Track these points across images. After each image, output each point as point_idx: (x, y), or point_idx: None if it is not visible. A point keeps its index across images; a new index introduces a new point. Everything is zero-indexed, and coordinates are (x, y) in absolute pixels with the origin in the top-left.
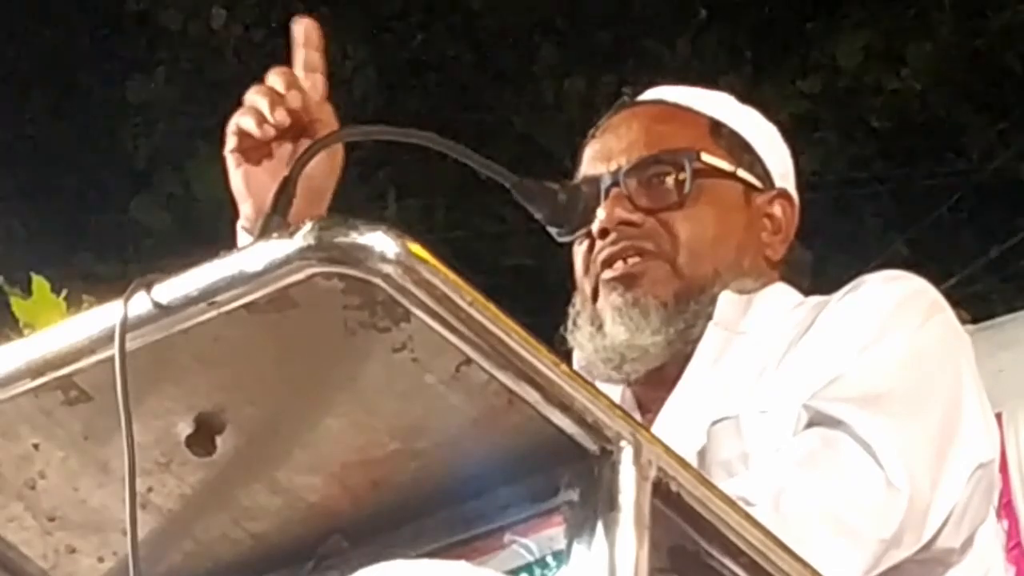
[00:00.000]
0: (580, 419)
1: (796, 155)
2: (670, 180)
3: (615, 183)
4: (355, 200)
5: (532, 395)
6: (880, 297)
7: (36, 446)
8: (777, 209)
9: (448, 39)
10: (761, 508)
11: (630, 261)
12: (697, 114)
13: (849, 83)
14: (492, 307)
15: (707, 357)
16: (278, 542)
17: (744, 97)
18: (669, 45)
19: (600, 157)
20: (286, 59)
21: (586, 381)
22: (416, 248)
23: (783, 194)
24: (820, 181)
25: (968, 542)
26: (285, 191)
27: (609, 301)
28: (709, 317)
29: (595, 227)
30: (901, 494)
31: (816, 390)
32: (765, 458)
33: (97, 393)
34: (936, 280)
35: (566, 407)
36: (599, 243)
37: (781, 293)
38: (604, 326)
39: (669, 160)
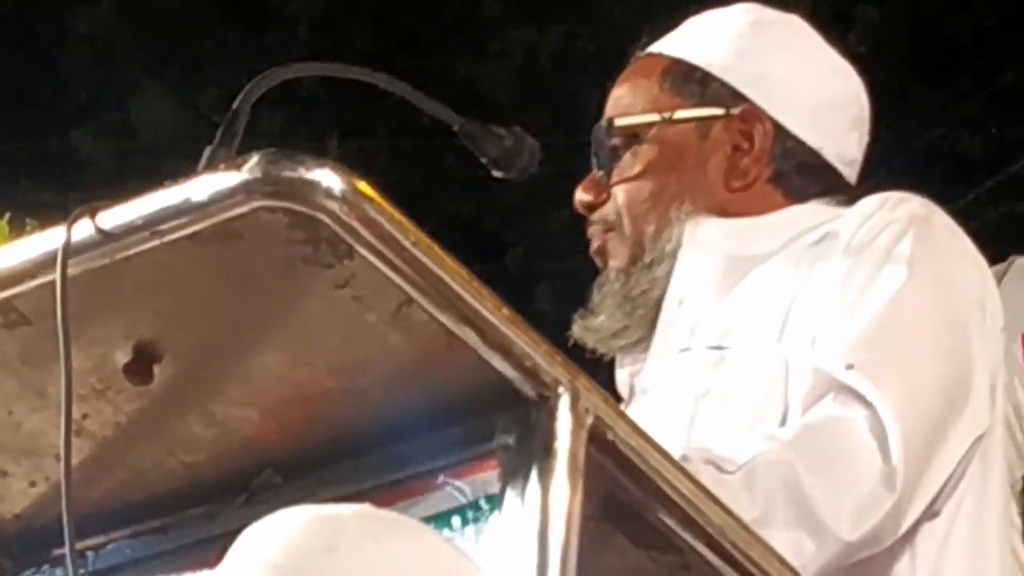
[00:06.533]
0: (519, 364)
1: None
2: (614, 153)
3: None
4: (296, 140)
5: (472, 338)
6: (887, 234)
7: None
8: (753, 130)
9: None
10: (732, 477)
11: (601, 237)
12: (659, 59)
13: None
14: (436, 248)
15: (685, 284)
16: (211, 474)
17: None
18: None
19: None
20: None
21: (527, 326)
22: (362, 186)
23: (747, 114)
24: None
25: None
26: (231, 124)
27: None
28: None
29: None
30: (892, 496)
31: (820, 339)
32: (724, 400)
33: (37, 318)
34: None
35: (505, 351)
36: None
37: (790, 217)
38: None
39: (607, 135)
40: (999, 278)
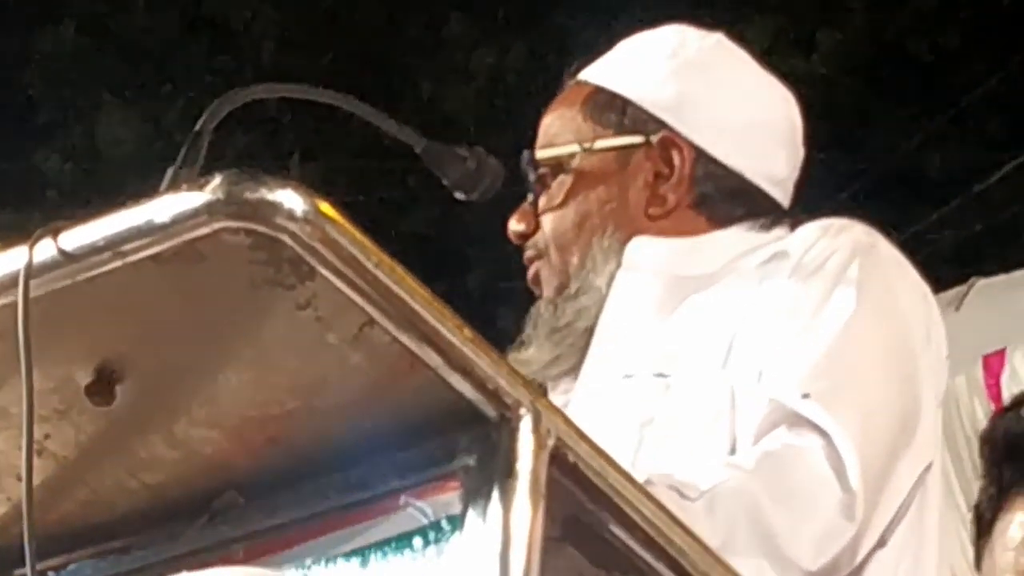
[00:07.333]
0: (481, 385)
1: None
2: (541, 183)
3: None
4: (259, 161)
5: (434, 359)
6: (833, 261)
7: None
8: (672, 157)
9: (358, 2)
10: (694, 503)
11: (534, 265)
12: (584, 86)
13: None
14: (398, 269)
15: (624, 305)
16: (173, 494)
17: None
18: (579, 18)
19: None
20: (195, 14)
21: (489, 347)
22: (325, 207)
23: (665, 141)
24: None
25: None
26: (194, 145)
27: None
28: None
29: None
30: (852, 526)
31: (771, 368)
32: (670, 427)
33: None
34: None
35: (467, 372)
36: None
37: (718, 241)
38: None
39: (532, 166)
40: (960, 299)
